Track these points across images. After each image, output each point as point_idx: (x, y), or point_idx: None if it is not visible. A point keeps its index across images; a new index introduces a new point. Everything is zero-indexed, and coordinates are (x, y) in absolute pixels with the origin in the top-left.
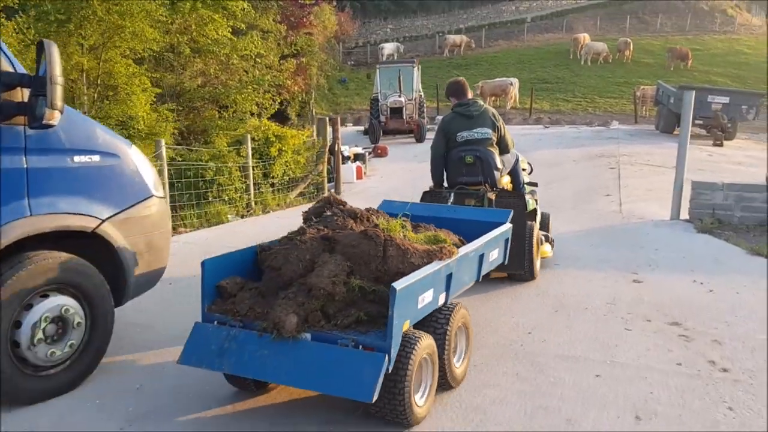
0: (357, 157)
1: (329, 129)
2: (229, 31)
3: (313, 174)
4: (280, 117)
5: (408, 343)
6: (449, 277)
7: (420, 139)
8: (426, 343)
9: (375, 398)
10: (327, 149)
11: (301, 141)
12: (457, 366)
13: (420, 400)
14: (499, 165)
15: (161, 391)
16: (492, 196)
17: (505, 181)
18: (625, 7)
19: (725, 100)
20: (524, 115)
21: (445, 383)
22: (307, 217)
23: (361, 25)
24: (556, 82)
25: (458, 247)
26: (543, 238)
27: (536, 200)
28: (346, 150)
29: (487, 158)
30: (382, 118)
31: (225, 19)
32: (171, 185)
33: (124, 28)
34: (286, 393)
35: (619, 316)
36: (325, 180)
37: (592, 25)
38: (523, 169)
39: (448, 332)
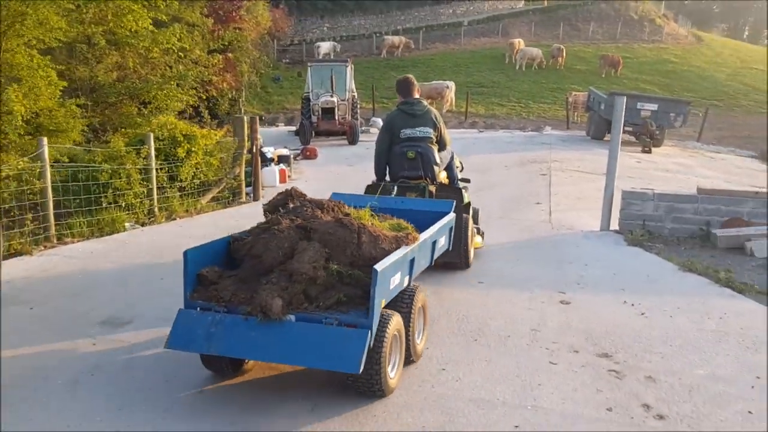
0: (281, 159)
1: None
2: (149, 23)
3: (229, 177)
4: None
5: (383, 321)
6: (412, 261)
7: (353, 141)
8: (396, 320)
9: (361, 369)
10: (245, 150)
11: (214, 141)
12: (419, 342)
13: (391, 373)
14: (438, 161)
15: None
16: (432, 188)
17: (443, 176)
18: (558, 14)
19: (654, 107)
20: (460, 119)
21: (409, 357)
22: (268, 209)
23: (297, 23)
24: (492, 87)
25: None
26: (475, 230)
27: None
28: (270, 152)
29: (428, 154)
30: (314, 119)
31: (146, 10)
32: (56, 189)
33: (26, 15)
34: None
35: (544, 346)
36: (243, 184)
37: (527, 31)
38: (456, 166)
39: (412, 311)
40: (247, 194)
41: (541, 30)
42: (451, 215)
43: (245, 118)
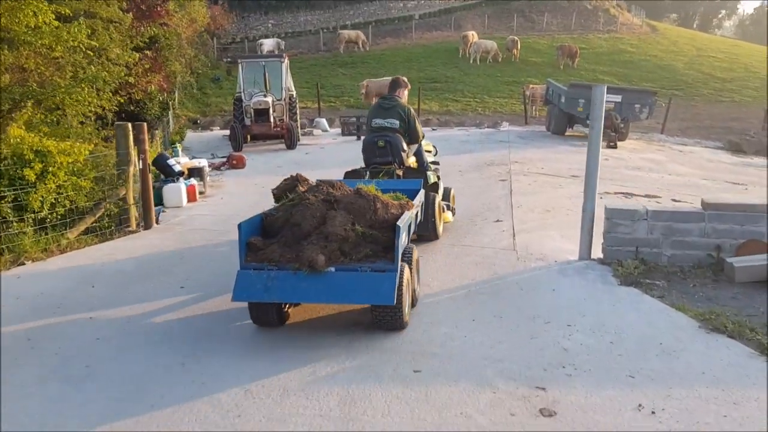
0: (193, 172)
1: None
2: (53, 17)
3: (109, 201)
4: (131, 118)
5: (401, 268)
6: (410, 225)
7: (291, 145)
8: (407, 269)
9: (395, 302)
10: (132, 165)
11: (81, 157)
12: (417, 288)
13: (407, 311)
14: (405, 148)
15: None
16: (400, 172)
17: (412, 161)
18: (512, 6)
19: (618, 98)
20: None
21: (414, 301)
22: (278, 194)
23: (240, 20)
24: (446, 82)
25: None
26: (445, 206)
27: (438, 176)
28: (178, 164)
29: (395, 142)
30: (247, 122)
31: (47, 3)
32: None
33: None
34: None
35: None
36: (133, 207)
37: (480, 23)
38: (428, 151)
39: (413, 263)
40: (138, 224)
41: (495, 22)
42: (422, 191)
43: (128, 124)
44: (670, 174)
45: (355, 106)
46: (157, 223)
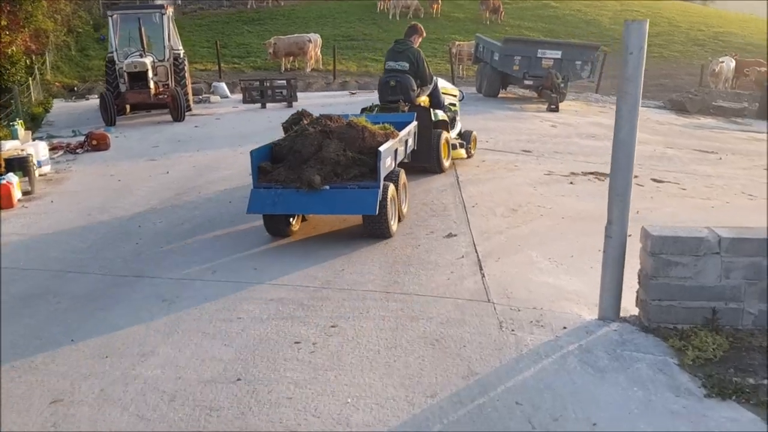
0: (12, 164)
1: None
2: None
3: None
4: None
5: (385, 186)
6: (396, 151)
7: (178, 116)
8: (392, 187)
9: (377, 212)
10: None
11: None
12: (404, 207)
13: (392, 223)
14: (415, 88)
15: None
16: (405, 108)
17: (423, 100)
18: None
19: (557, 54)
20: (327, 79)
21: (400, 216)
22: (286, 126)
23: None
24: (364, 39)
25: None
26: (458, 144)
27: (451, 117)
28: None
29: (405, 83)
30: (123, 88)
31: None
32: None
33: None
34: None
35: None
36: None
37: None
38: (454, 95)
39: (398, 183)
40: None
41: None
42: (414, 123)
43: None
44: None
45: (262, 67)
46: None
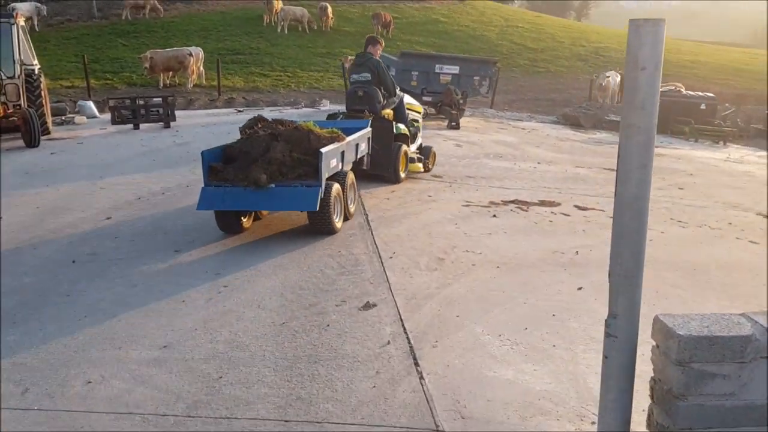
0: None
1: None
2: None
3: None
4: None
5: (328, 185)
6: (343, 153)
7: (31, 141)
8: (336, 186)
9: (317, 209)
10: None
11: None
12: (351, 206)
13: (336, 219)
14: (381, 99)
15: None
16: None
17: (388, 112)
18: None
19: (455, 70)
20: (212, 95)
21: (346, 215)
22: (243, 130)
23: None
24: (251, 54)
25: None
26: (416, 158)
27: (413, 132)
28: None
29: (372, 94)
30: None
31: None
32: None
33: None
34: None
35: None
36: None
37: None
38: (418, 112)
39: (345, 183)
40: None
41: None
42: (367, 129)
43: None
44: (539, 162)
45: (138, 83)
46: None
